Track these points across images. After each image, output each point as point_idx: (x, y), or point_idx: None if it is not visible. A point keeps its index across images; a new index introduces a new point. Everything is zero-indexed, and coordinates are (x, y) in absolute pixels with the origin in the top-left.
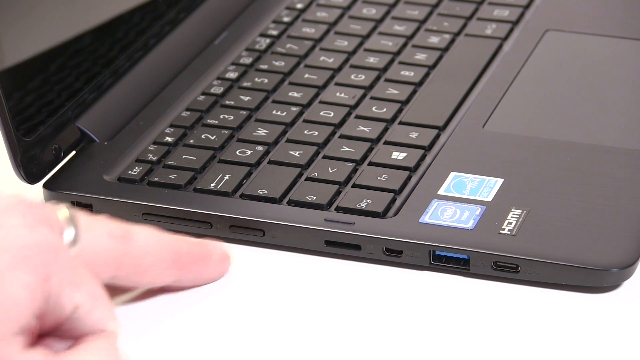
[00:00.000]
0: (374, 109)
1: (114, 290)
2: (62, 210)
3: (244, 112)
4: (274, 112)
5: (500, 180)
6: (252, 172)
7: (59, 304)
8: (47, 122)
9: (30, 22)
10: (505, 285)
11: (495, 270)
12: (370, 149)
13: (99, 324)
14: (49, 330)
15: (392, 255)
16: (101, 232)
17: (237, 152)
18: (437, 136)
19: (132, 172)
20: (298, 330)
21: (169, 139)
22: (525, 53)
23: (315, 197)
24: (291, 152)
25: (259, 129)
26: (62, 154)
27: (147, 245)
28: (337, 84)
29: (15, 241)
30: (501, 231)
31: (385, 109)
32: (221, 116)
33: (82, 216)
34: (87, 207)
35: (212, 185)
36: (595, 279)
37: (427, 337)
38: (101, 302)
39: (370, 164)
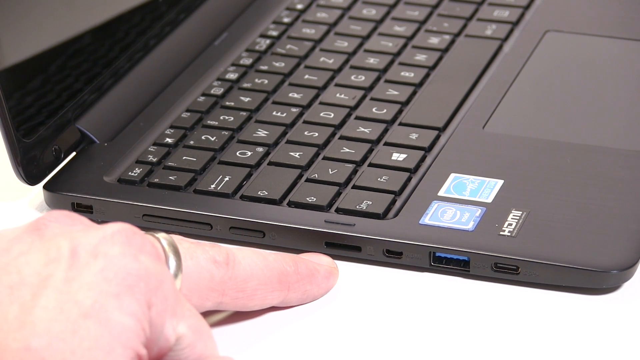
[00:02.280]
0: (374, 109)
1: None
2: (163, 239)
3: (244, 113)
4: (274, 113)
5: (500, 182)
6: (252, 173)
7: (163, 334)
8: (47, 123)
9: (30, 22)
10: (506, 287)
11: (495, 272)
12: (370, 150)
13: (202, 357)
14: None
15: (392, 256)
16: (204, 258)
17: (237, 153)
18: (437, 137)
19: (132, 174)
20: (297, 331)
21: (169, 140)
22: (526, 54)
23: (315, 199)
24: (291, 153)
25: (259, 130)
26: (62, 155)
27: (251, 269)
28: (337, 84)
29: (117, 270)
30: (501, 232)
31: (385, 110)
32: (221, 117)
33: (183, 243)
34: (88, 208)
35: (212, 186)
36: (595, 280)
37: (428, 339)
38: (204, 335)
39: (371, 165)
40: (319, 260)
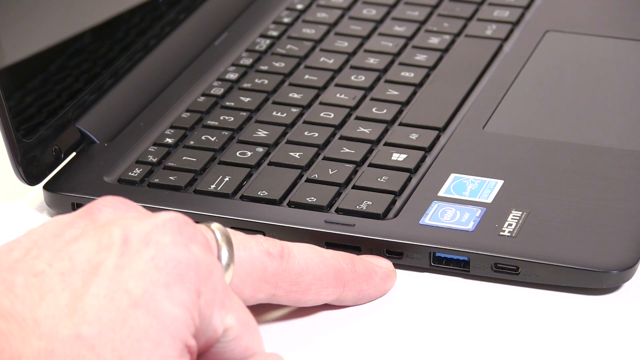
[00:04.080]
0: (374, 110)
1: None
2: (217, 230)
3: (244, 113)
4: (274, 113)
5: (500, 182)
6: (252, 173)
7: (211, 324)
8: (47, 123)
9: (30, 22)
10: (506, 287)
11: (495, 272)
12: (370, 150)
13: (247, 350)
14: (201, 351)
15: (392, 256)
16: (257, 250)
17: (237, 154)
18: (438, 137)
19: (133, 174)
20: (296, 331)
21: (169, 140)
22: (526, 54)
23: (315, 199)
24: (291, 154)
25: (259, 130)
26: (63, 155)
27: (306, 263)
28: (337, 85)
29: (168, 258)
30: (501, 233)
31: (385, 110)
32: (221, 117)
33: (237, 235)
34: None
35: (212, 186)
36: (595, 280)
37: (428, 339)
38: (251, 329)
39: (371, 165)
40: (378, 262)
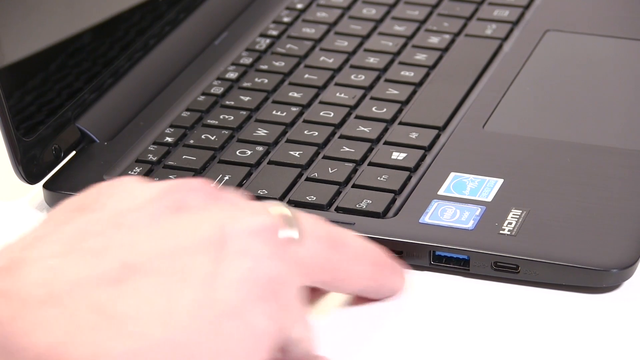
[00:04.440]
0: (374, 109)
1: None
2: (283, 211)
3: (244, 113)
4: (274, 112)
5: (500, 181)
6: (252, 172)
7: (291, 337)
8: (47, 122)
9: (30, 21)
10: (505, 286)
11: (495, 271)
12: (370, 149)
13: (310, 353)
14: None
15: (392, 255)
16: (322, 233)
17: (237, 153)
18: (437, 136)
19: (132, 173)
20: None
21: (169, 139)
22: (525, 53)
23: (315, 198)
24: (291, 153)
25: (259, 129)
26: (62, 154)
27: (358, 252)
28: (337, 84)
29: (264, 272)
30: (501, 231)
31: (385, 109)
32: (221, 116)
33: (303, 217)
34: None
35: (211, 186)
36: (595, 279)
37: (427, 338)
38: (313, 333)
39: (370, 164)
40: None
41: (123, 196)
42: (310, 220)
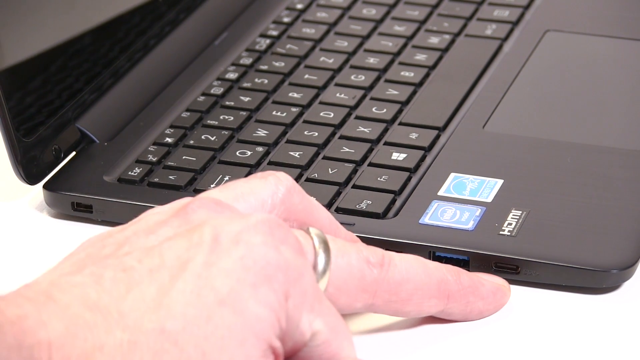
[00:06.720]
0: (374, 109)
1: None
2: (315, 235)
3: (244, 113)
4: (274, 112)
5: (500, 181)
6: (252, 173)
7: (299, 328)
8: (47, 123)
9: (30, 22)
10: None
11: (495, 271)
12: (370, 150)
13: (336, 356)
14: (288, 355)
15: None
16: (356, 257)
17: (237, 153)
18: (437, 137)
19: (132, 173)
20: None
21: (169, 139)
22: (526, 53)
23: (315, 198)
24: (291, 153)
25: (259, 129)
26: (62, 155)
27: (407, 272)
28: (337, 84)
29: (257, 259)
30: (501, 232)
31: (385, 110)
32: (221, 117)
33: (337, 241)
34: (87, 208)
35: (212, 186)
36: (595, 280)
37: (427, 338)
38: (341, 334)
39: (370, 164)
40: (491, 279)
41: (141, 221)
42: (346, 243)
